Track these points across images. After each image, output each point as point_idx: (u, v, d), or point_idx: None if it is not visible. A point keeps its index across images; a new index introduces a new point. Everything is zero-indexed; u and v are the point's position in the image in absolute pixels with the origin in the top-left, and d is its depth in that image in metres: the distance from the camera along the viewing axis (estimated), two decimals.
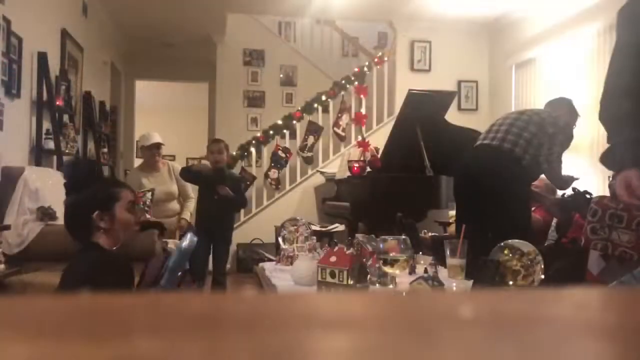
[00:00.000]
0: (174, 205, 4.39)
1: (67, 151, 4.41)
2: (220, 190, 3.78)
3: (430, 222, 4.89)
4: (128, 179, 4.41)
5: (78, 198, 1.76)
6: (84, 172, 1.80)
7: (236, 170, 6.06)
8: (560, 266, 3.13)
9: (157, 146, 4.33)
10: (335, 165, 5.99)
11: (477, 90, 6.46)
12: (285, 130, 6.09)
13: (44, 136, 4.10)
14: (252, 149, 6.08)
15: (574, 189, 3.48)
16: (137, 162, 8.88)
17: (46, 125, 4.18)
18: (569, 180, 3.33)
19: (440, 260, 2.33)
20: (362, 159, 5.41)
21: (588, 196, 3.38)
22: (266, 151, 6.11)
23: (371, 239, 2.40)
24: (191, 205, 4.40)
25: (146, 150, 4.35)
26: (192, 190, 4.42)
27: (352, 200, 4.88)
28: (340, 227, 5.29)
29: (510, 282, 1.77)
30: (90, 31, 5.71)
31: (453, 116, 5.41)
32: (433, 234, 4.29)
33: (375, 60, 6.31)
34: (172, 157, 8.70)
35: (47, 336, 0.23)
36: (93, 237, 1.72)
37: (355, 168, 5.21)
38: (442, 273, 2.15)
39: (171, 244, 3.83)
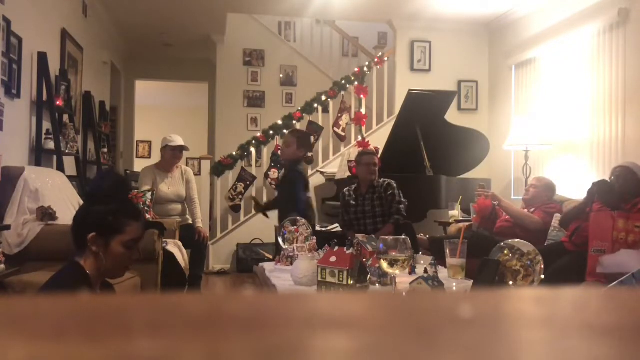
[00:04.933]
0: (179, 206, 4.52)
1: (67, 151, 4.41)
2: None
3: (430, 222, 4.89)
4: (142, 175, 4.49)
5: (85, 211, 1.69)
6: (106, 187, 1.71)
7: (236, 170, 6.07)
8: (561, 265, 3.13)
9: (182, 150, 4.50)
10: (335, 165, 5.99)
11: (477, 90, 6.46)
12: (285, 130, 6.08)
13: (44, 136, 4.10)
14: (252, 149, 6.08)
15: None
16: (137, 162, 8.93)
17: (46, 125, 4.18)
18: None
19: (439, 261, 2.33)
20: None
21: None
22: (266, 151, 6.11)
23: (371, 239, 2.40)
24: (199, 210, 4.53)
25: (169, 151, 4.46)
26: (197, 194, 4.62)
27: None
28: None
29: (510, 282, 1.77)
30: (90, 31, 5.71)
31: (453, 116, 5.41)
32: (429, 235, 4.29)
33: (375, 60, 6.31)
34: None
35: (47, 336, 0.23)
36: (82, 254, 1.65)
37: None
38: (442, 273, 2.15)
39: (171, 244, 3.84)
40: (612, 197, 3.12)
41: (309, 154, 4.12)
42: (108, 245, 1.64)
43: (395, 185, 3.92)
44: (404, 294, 0.32)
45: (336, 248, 2.05)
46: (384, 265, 1.88)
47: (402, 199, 3.90)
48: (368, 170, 3.91)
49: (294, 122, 6.07)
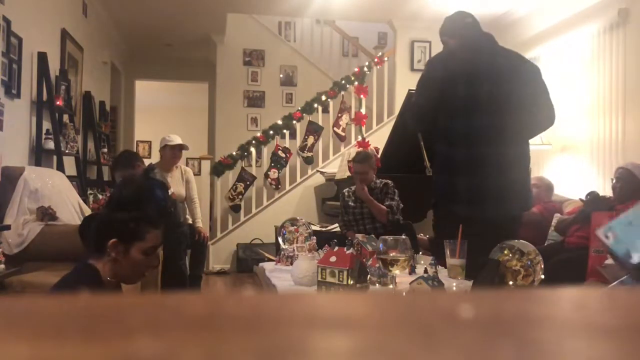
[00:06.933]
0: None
1: (67, 151, 4.41)
2: None
3: (430, 222, 4.88)
4: None
5: (107, 217, 1.66)
6: (128, 194, 1.69)
7: (236, 170, 6.08)
8: (561, 261, 3.13)
9: (181, 148, 4.49)
10: (335, 165, 5.99)
11: None
12: (285, 130, 6.09)
13: (44, 136, 4.11)
14: (252, 149, 6.07)
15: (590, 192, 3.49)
16: None
17: (46, 125, 4.18)
18: None
19: (439, 261, 2.33)
20: None
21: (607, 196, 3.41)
22: (266, 151, 6.11)
23: (371, 239, 2.40)
24: (199, 210, 4.53)
25: (169, 150, 4.46)
26: (197, 194, 4.61)
27: None
28: None
29: (510, 282, 1.77)
30: (90, 31, 5.71)
31: None
32: (428, 235, 4.29)
33: (375, 60, 6.31)
34: None
35: (47, 336, 0.23)
36: (99, 258, 1.63)
37: None
38: (442, 273, 2.15)
39: None
40: (604, 210, 3.19)
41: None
42: (128, 252, 1.63)
43: (391, 184, 3.91)
44: (404, 294, 0.32)
45: (336, 248, 2.05)
46: (384, 265, 1.88)
47: (396, 198, 3.88)
48: (356, 178, 3.90)
49: (294, 122, 6.07)
